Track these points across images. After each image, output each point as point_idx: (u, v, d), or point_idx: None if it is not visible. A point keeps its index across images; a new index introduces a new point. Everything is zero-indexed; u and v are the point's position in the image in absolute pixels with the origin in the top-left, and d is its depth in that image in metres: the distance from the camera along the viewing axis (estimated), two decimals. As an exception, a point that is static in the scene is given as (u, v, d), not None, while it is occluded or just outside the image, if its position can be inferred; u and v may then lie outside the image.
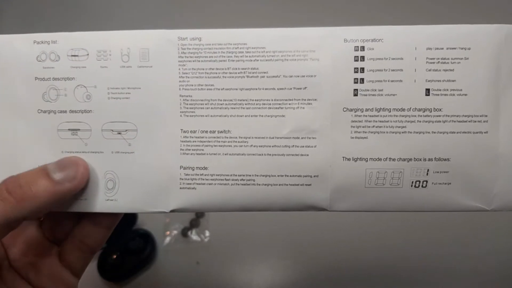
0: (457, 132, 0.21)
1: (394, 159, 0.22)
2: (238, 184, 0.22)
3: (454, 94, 0.21)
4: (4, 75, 0.23)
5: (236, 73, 0.22)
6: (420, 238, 0.45)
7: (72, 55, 0.23)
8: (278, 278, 0.44)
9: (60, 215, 0.24)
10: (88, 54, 0.23)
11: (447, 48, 0.21)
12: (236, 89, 0.22)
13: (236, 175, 0.22)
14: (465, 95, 0.21)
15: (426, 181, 0.22)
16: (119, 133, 0.23)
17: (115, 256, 0.44)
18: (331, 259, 0.45)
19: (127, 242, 0.45)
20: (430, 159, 0.22)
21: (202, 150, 0.22)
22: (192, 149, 0.22)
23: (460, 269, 0.44)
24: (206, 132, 0.22)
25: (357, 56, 0.21)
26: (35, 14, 0.54)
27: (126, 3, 0.54)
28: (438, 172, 0.22)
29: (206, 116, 0.22)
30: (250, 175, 0.22)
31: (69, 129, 0.23)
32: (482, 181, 0.22)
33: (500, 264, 0.43)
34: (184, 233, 0.47)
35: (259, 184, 0.22)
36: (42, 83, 0.23)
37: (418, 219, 0.44)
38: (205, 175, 0.22)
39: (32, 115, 0.23)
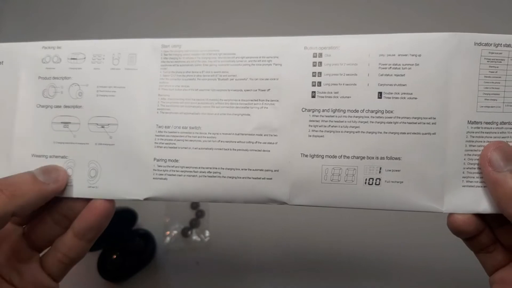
0: (407, 133, 0.24)
1: (348, 157, 0.24)
2: (206, 176, 0.25)
3: (404, 98, 0.24)
4: (12, 75, 0.28)
5: (209, 76, 0.26)
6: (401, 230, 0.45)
7: (71, 58, 0.27)
8: (279, 277, 0.46)
9: (42, 225, 0.27)
10: (85, 58, 0.27)
11: (399, 55, 0.24)
12: (208, 90, 0.26)
13: (204, 168, 0.25)
14: (415, 98, 0.24)
15: (379, 179, 0.24)
16: (102, 127, 0.27)
17: (115, 256, 0.45)
18: (333, 258, 0.46)
19: (127, 242, 0.46)
20: (382, 158, 0.24)
21: (174, 144, 0.26)
22: (165, 143, 0.26)
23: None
24: (179, 127, 0.26)
25: (315, 62, 0.25)
26: (34, 15, 0.61)
27: (121, 7, 0.60)
28: (390, 170, 0.24)
29: (180, 113, 0.26)
30: (216, 168, 0.25)
31: (61, 122, 0.27)
32: (432, 182, 0.24)
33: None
34: (184, 233, 0.49)
35: (225, 177, 0.25)
36: (44, 81, 0.27)
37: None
38: (176, 167, 0.26)
39: (31, 109, 0.27)
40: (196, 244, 0.48)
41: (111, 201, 0.26)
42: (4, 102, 0.28)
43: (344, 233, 0.47)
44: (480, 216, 0.24)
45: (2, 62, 0.28)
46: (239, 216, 0.48)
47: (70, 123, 0.27)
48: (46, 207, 0.26)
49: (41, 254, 0.28)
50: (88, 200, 0.26)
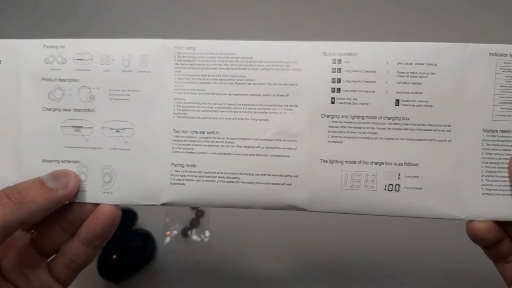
0: (424, 140, 0.25)
1: (367, 162, 0.26)
2: (224, 182, 0.26)
3: (420, 105, 0.25)
4: (13, 75, 0.28)
5: (225, 79, 0.26)
6: (419, 240, 0.48)
7: (77, 59, 0.27)
8: (279, 278, 0.48)
9: (50, 232, 0.28)
10: (92, 59, 0.27)
11: (416, 64, 0.25)
12: (225, 94, 0.26)
13: (222, 173, 0.26)
14: (431, 106, 0.25)
15: (399, 185, 0.26)
16: (118, 131, 0.27)
17: (115, 256, 0.47)
18: (331, 258, 0.48)
19: (127, 242, 0.47)
20: (400, 164, 0.26)
21: (192, 149, 0.27)
22: (183, 148, 0.27)
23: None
24: (196, 132, 0.27)
25: (335, 68, 0.26)
26: (35, 15, 0.60)
27: (126, 8, 0.59)
28: (408, 176, 0.26)
29: (197, 118, 0.27)
30: (235, 173, 0.26)
31: (72, 126, 0.27)
32: (451, 189, 0.26)
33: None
34: (184, 233, 0.50)
35: (243, 182, 0.26)
36: (48, 83, 0.27)
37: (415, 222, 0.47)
38: (193, 172, 0.27)
39: (37, 113, 0.27)
40: (196, 244, 0.50)
41: (117, 208, 0.27)
42: (7, 104, 0.27)
43: (351, 235, 0.49)
44: (500, 225, 0.25)
45: (0, 61, 0.28)
46: (240, 216, 0.49)
47: (82, 127, 0.27)
48: (53, 213, 0.27)
49: (49, 260, 0.28)
50: (94, 207, 0.27)
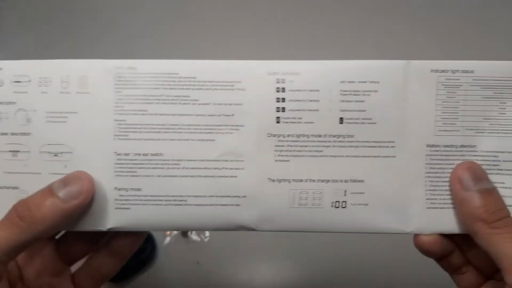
0: (368, 156, 0.26)
1: (314, 180, 0.26)
2: (171, 205, 0.26)
3: (364, 123, 0.25)
4: None
5: (168, 100, 0.26)
6: None
7: (15, 81, 0.26)
8: (278, 278, 0.48)
9: (74, 239, 0.28)
10: (30, 80, 0.26)
11: (359, 82, 0.25)
12: (169, 114, 0.26)
13: (169, 196, 0.26)
14: (374, 123, 0.26)
15: (345, 202, 0.26)
16: (56, 155, 0.26)
17: None
18: (331, 260, 0.49)
19: None
20: (346, 181, 0.26)
21: (136, 172, 0.26)
22: (126, 171, 0.26)
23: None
24: (139, 155, 0.26)
25: (279, 87, 0.26)
26: (34, 14, 0.59)
27: (126, 8, 0.58)
28: (354, 193, 0.26)
29: (139, 139, 0.26)
30: (182, 196, 0.26)
31: (9, 151, 0.26)
32: (396, 203, 0.26)
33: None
34: (184, 233, 0.51)
35: (191, 205, 0.26)
36: None
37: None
38: (138, 195, 0.26)
39: None
40: (196, 244, 0.50)
41: None
42: None
43: (351, 238, 0.48)
44: (448, 237, 0.26)
45: None
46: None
47: (19, 151, 0.26)
48: None
49: (73, 271, 0.29)
50: None
